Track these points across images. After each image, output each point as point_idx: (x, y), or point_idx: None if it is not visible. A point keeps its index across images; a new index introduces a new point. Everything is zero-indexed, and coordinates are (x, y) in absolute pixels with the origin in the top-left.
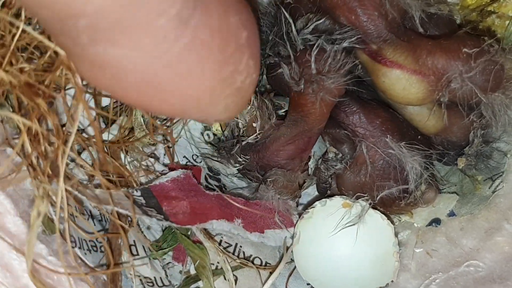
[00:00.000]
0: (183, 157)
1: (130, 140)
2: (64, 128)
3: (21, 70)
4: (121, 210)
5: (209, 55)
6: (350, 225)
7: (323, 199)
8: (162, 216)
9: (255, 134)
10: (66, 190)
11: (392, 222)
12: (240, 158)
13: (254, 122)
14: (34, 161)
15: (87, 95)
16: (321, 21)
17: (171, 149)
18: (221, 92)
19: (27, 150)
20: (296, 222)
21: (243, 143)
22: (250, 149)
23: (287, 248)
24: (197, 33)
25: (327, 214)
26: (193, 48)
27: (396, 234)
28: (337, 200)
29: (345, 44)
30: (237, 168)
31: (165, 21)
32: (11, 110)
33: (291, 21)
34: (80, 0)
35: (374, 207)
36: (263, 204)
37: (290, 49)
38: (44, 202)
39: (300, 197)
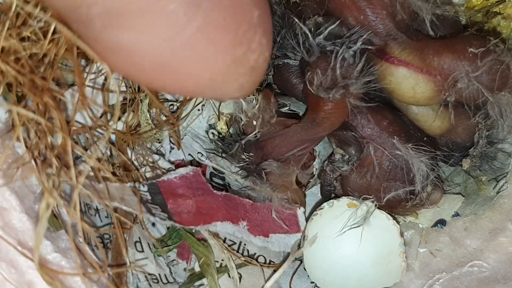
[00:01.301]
0: (188, 154)
1: (137, 133)
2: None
3: (23, 64)
4: (124, 207)
5: (221, 36)
6: (356, 227)
7: (331, 200)
8: (166, 215)
9: (254, 133)
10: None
11: (398, 223)
12: (243, 155)
13: (255, 120)
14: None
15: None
16: (333, 26)
17: (177, 140)
18: (234, 72)
19: (32, 143)
20: (305, 225)
21: (243, 141)
22: (254, 146)
23: (297, 249)
24: (209, 15)
25: (334, 215)
26: (205, 30)
27: (401, 234)
28: (344, 201)
29: (358, 44)
30: (240, 165)
31: (177, 5)
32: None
33: (307, 31)
34: None
35: (379, 208)
36: (270, 207)
37: (309, 57)
38: (54, 194)
39: (305, 205)
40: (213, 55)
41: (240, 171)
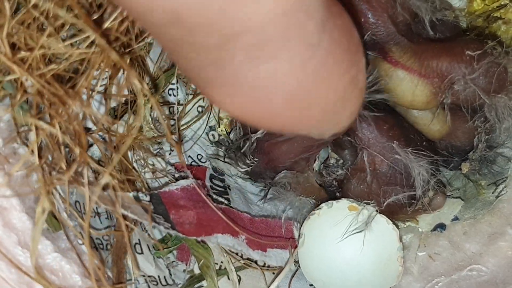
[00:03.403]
0: (188, 156)
1: (139, 138)
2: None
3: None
4: (131, 215)
5: (341, 55)
6: (357, 232)
7: (330, 201)
8: (169, 225)
9: (261, 131)
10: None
11: (397, 227)
12: (249, 159)
13: None
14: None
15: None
16: None
17: (180, 145)
18: (350, 94)
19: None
20: (302, 224)
21: (252, 140)
22: (259, 150)
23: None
24: (332, 34)
25: (334, 217)
26: (331, 51)
27: (400, 239)
28: (344, 203)
29: None
30: (245, 170)
31: (313, 25)
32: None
33: None
34: (245, 14)
35: (380, 212)
36: (268, 222)
37: None
38: (49, 199)
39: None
40: (336, 76)
41: (261, 191)
